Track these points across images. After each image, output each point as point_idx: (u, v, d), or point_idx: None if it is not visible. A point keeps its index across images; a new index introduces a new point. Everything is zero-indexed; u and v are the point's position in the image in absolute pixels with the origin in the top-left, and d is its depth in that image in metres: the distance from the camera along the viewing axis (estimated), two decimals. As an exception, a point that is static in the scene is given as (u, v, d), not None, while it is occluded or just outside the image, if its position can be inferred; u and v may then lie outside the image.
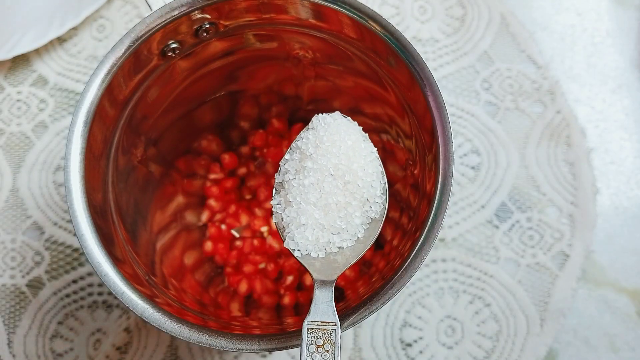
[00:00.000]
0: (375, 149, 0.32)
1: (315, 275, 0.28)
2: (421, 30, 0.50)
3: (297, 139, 0.32)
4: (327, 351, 0.25)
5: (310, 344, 0.25)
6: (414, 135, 0.33)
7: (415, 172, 0.34)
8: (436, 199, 0.28)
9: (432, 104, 0.29)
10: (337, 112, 0.32)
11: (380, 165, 0.31)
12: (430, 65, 0.49)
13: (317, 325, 0.25)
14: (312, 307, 0.26)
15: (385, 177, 0.31)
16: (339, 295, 0.41)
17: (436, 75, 0.48)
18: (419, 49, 0.49)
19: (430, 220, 0.28)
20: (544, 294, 0.44)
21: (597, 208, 0.46)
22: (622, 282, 0.45)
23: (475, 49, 0.49)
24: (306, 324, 0.25)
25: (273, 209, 0.31)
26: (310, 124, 0.32)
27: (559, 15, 0.51)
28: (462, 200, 0.46)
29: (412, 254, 0.27)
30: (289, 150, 0.32)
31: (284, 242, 0.30)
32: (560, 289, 0.44)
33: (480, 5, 0.50)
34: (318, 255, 0.29)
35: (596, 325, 0.44)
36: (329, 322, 0.25)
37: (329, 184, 0.29)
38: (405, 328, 0.43)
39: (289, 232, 0.30)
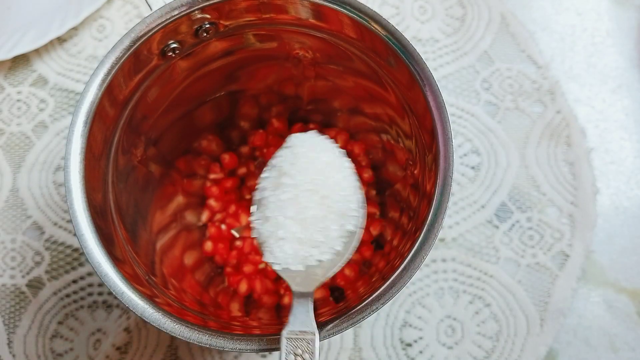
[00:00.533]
0: (352, 165, 0.32)
1: (294, 287, 0.29)
2: (421, 30, 0.50)
3: (273, 157, 0.32)
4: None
5: (288, 353, 0.25)
6: (414, 135, 0.33)
7: (415, 172, 0.34)
8: (436, 199, 0.28)
9: (432, 104, 0.29)
10: (314, 131, 0.33)
11: (356, 180, 0.32)
12: (430, 65, 0.49)
13: (296, 335, 0.26)
14: (291, 318, 0.27)
15: (362, 191, 0.32)
16: (339, 295, 0.41)
17: (436, 75, 0.48)
18: (419, 49, 0.49)
19: (430, 220, 0.28)
20: (544, 294, 0.44)
21: (597, 208, 0.46)
22: (622, 282, 0.45)
23: (475, 49, 0.49)
24: (285, 334, 0.26)
25: (252, 225, 0.31)
26: (285, 142, 0.32)
27: (559, 15, 0.51)
28: (462, 200, 0.46)
29: (412, 254, 0.27)
30: (266, 168, 0.32)
31: (262, 256, 0.30)
32: (560, 289, 0.44)
33: (480, 5, 0.50)
34: (298, 268, 0.30)
35: (596, 325, 0.44)
36: (307, 332, 0.26)
37: (306, 199, 0.30)
38: (405, 328, 0.43)
39: (268, 247, 0.30)
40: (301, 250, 0.29)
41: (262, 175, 0.32)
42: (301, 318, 0.26)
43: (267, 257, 0.30)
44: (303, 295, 0.28)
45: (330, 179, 0.30)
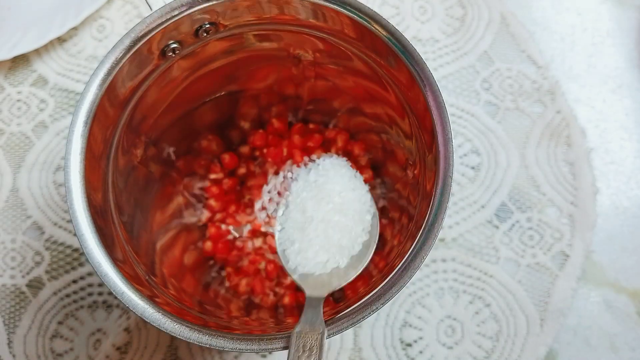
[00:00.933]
0: (362, 176, 0.37)
1: (308, 292, 0.32)
2: (421, 30, 0.50)
3: (294, 176, 0.38)
4: (313, 352, 0.26)
5: (297, 347, 0.26)
6: (414, 135, 0.33)
7: (415, 172, 0.34)
8: (436, 199, 0.28)
9: (432, 104, 0.29)
10: (329, 154, 0.38)
11: (371, 198, 0.36)
12: (430, 65, 0.49)
13: (306, 331, 0.27)
14: (303, 317, 0.28)
15: (374, 205, 0.36)
16: (339, 295, 0.41)
17: (436, 75, 0.48)
18: (419, 49, 0.49)
19: (430, 220, 0.28)
20: (544, 294, 0.44)
21: (597, 208, 0.46)
22: (622, 282, 0.45)
23: (475, 49, 0.49)
24: (296, 330, 0.27)
25: (277, 239, 0.35)
26: (312, 162, 0.37)
27: (559, 15, 0.51)
28: (462, 200, 0.46)
29: (412, 254, 0.27)
30: (292, 185, 0.36)
31: (282, 262, 0.34)
32: (560, 289, 0.44)
33: (480, 5, 0.50)
34: (319, 272, 0.33)
35: (596, 325, 0.44)
36: (316, 330, 0.27)
37: (328, 210, 0.33)
38: (405, 328, 0.43)
39: (292, 252, 0.34)
40: (322, 256, 0.33)
41: (288, 192, 0.36)
42: (312, 319, 0.28)
43: (291, 262, 0.33)
44: (315, 299, 0.30)
45: (350, 193, 0.34)
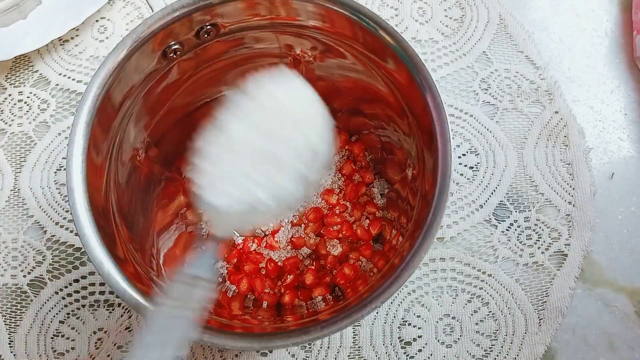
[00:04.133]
0: (320, 100, 0.28)
1: (214, 231, 0.28)
2: (420, 31, 0.50)
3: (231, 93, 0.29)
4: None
5: (177, 299, 0.25)
6: (413, 136, 0.33)
7: (414, 172, 0.34)
8: (435, 199, 0.28)
9: (430, 104, 0.29)
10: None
11: (328, 124, 0.28)
12: (429, 66, 0.49)
13: (191, 280, 0.25)
14: (193, 262, 0.26)
15: (332, 126, 0.28)
16: (339, 294, 0.42)
17: (435, 76, 0.49)
18: (418, 50, 0.49)
19: (429, 220, 0.28)
20: (542, 293, 0.44)
21: (595, 208, 0.46)
22: (620, 282, 0.45)
23: (473, 50, 0.49)
24: (179, 278, 0.25)
25: (192, 163, 0.28)
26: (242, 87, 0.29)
27: (557, 16, 0.52)
28: (461, 199, 0.46)
29: (411, 253, 0.27)
30: (227, 99, 0.29)
31: (197, 197, 0.27)
32: (559, 289, 0.44)
33: (478, 7, 0.51)
34: (237, 208, 0.26)
35: (594, 324, 0.44)
36: (204, 278, 0.25)
37: (261, 140, 0.27)
38: (404, 326, 0.43)
39: (208, 185, 0.27)
40: (242, 191, 0.26)
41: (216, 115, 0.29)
42: (203, 265, 0.25)
43: (206, 195, 0.27)
44: (215, 240, 0.27)
45: (294, 114, 0.27)
